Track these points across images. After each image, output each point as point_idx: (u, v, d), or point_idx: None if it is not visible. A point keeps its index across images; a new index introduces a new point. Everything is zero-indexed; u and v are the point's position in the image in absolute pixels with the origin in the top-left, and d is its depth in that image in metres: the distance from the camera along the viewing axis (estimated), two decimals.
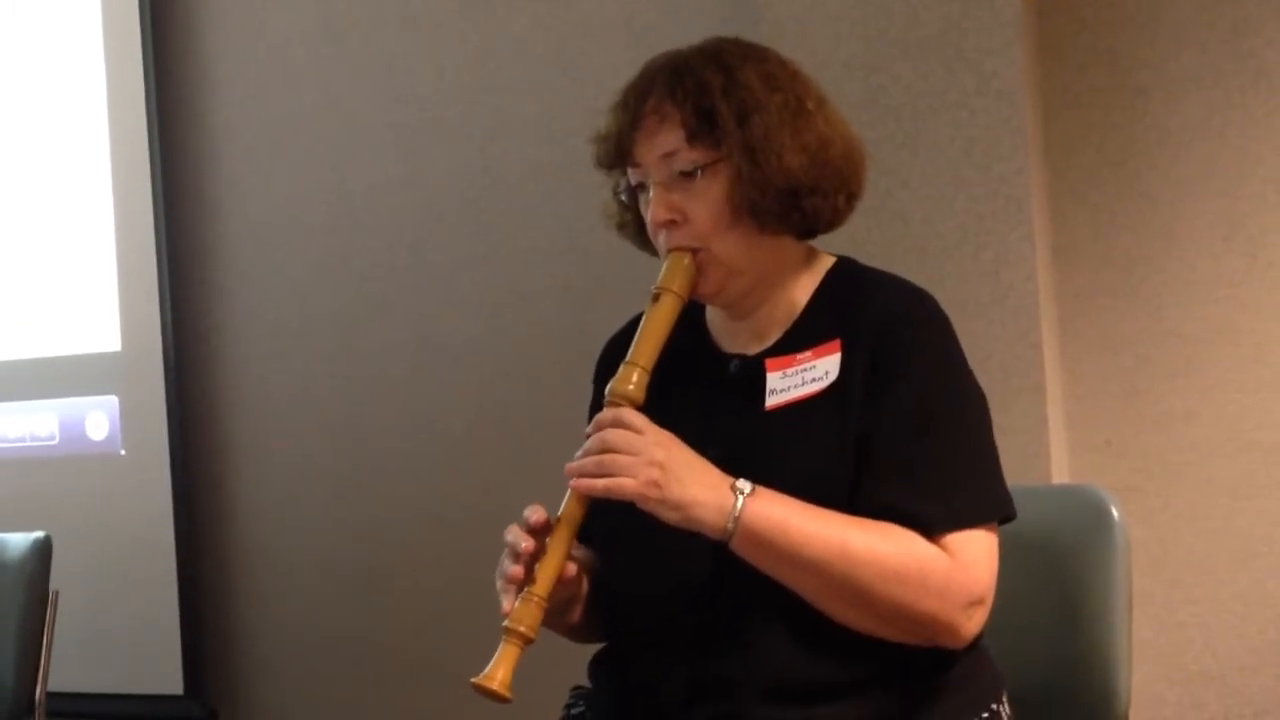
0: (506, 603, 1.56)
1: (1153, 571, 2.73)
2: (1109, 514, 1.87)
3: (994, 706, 1.64)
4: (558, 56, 3.30)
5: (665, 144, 1.63)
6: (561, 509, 1.59)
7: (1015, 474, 2.52)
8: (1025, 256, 2.64)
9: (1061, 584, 1.87)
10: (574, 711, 1.77)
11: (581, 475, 1.56)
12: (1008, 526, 1.63)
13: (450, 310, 3.44)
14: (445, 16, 3.44)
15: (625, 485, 1.53)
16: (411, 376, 3.48)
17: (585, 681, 1.78)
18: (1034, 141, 2.72)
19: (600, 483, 1.54)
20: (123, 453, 3.77)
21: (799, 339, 1.66)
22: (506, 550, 1.59)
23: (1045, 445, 2.63)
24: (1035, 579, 1.87)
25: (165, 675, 3.67)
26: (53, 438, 3.87)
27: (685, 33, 1.74)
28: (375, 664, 3.50)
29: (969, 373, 1.65)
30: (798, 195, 1.62)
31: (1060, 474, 2.71)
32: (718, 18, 3.01)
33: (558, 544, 1.58)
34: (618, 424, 1.56)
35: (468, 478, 3.40)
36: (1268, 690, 2.71)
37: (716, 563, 1.57)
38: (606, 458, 1.55)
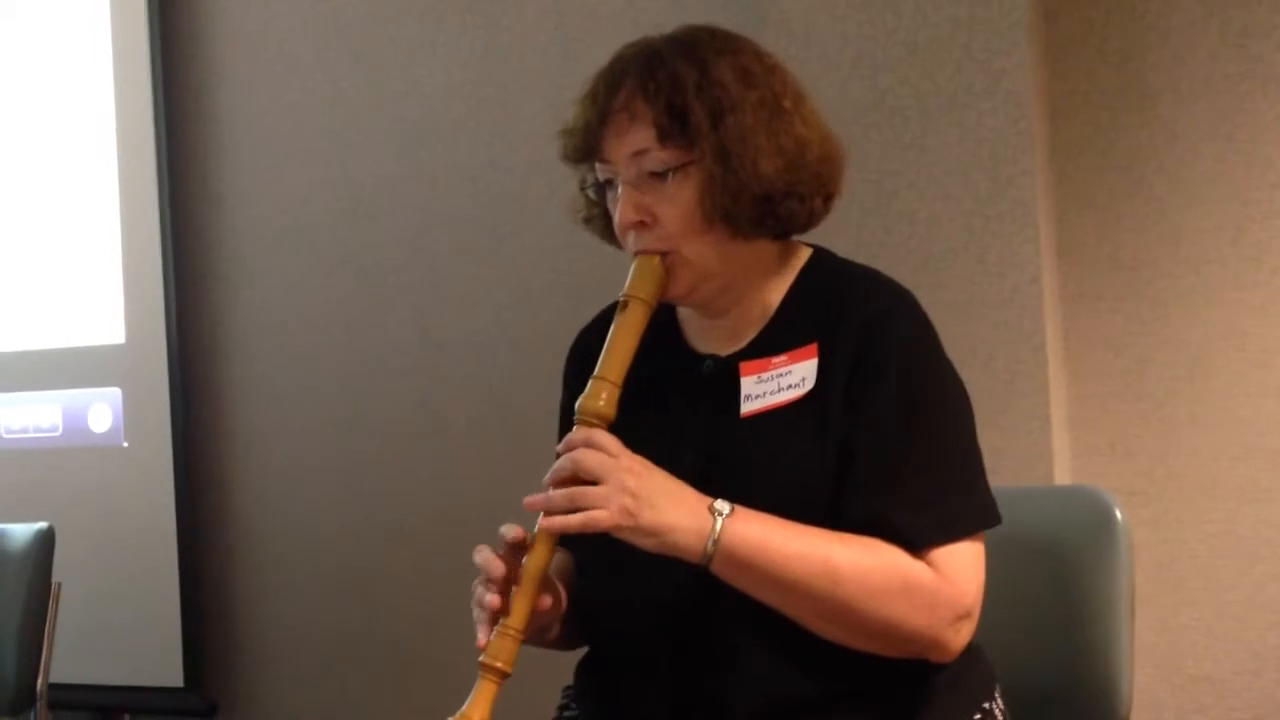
0: (482, 635, 1.51)
1: (1155, 574, 2.73)
2: (1112, 516, 1.86)
3: (986, 705, 1.62)
4: (563, 52, 3.30)
5: (635, 143, 1.57)
6: (535, 530, 1.53)
7: (1018, 475, 2.55)
8: (1030, 258, 2.64)
9: (1063, 586, 1.86)
10: (566, 714, 1.75)
11: (551, 511, 1.50)
12: (1009, 528, 1.61)
13: (454, 305, 3.43)
14: (450, 12, 3.44)
15: (599, 519, 1.47)
16: (415, 371, 3.48)
17: None
18: (1041, 143, 2.72)
19: (574, 520, 1.48)
20: (125, 445, 3.77)
21: (774, 339, 1.62)
22: (480, 577, 1.54)
23: (1048, 447, 2.62)
24: (1037, 580, 1.86)
25: (166, 667, 3.67)
26: (55, 429, 3.87)
27: None
28: (376, 657, 3.50)
29: (953, 373, 1.61)
30: (772, 201, 1.56)
31: (1063, 476, 2.70)
32: (724, 15, 2.99)
33: (530, 579, 1.51)
34: (589, 446, 1.50)
35: (470, 472, 3.40)
36: (1268, 695, 2.71)
37: (700, 579, 1.52)
38: (577, 491, 1.48)
